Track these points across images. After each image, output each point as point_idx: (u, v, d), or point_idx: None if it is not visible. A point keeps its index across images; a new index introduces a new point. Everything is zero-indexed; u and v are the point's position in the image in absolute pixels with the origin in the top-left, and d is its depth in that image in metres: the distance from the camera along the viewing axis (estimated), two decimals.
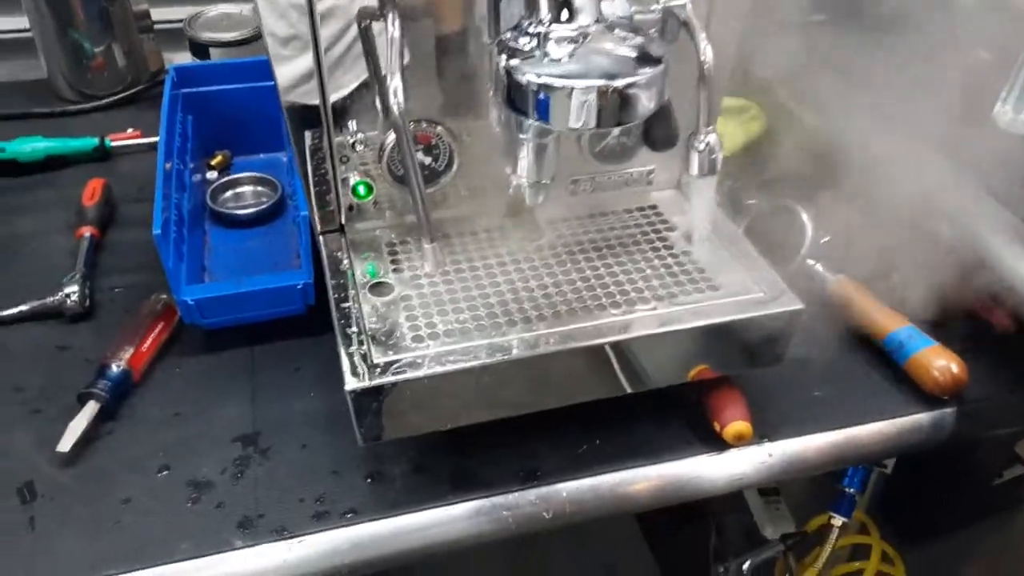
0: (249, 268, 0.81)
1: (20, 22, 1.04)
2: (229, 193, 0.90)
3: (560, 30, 0.51)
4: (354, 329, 0.59)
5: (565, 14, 0.51)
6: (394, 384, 0.55)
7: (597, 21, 0.51)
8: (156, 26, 1.08)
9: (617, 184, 0.73)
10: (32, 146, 0.93)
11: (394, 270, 0.65)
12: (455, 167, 0.68)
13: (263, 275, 0.73)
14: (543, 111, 0.51)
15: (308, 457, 0.63)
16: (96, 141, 0.95)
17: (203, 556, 0.56)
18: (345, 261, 0.66)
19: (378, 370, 0.55)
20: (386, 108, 0.64)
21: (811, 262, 0.78)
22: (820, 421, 0.68)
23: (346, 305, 0.61)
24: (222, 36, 0.97)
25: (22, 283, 0.77)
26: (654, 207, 0.72)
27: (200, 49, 0.98)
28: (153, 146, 0.98)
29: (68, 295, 0.74)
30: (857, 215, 0.79)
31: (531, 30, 0.51)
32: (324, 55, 0.60)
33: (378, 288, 0.63)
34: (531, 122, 0.58)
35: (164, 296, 0.74)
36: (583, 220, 0.71)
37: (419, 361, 0.56)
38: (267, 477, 0.61)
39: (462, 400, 0.58)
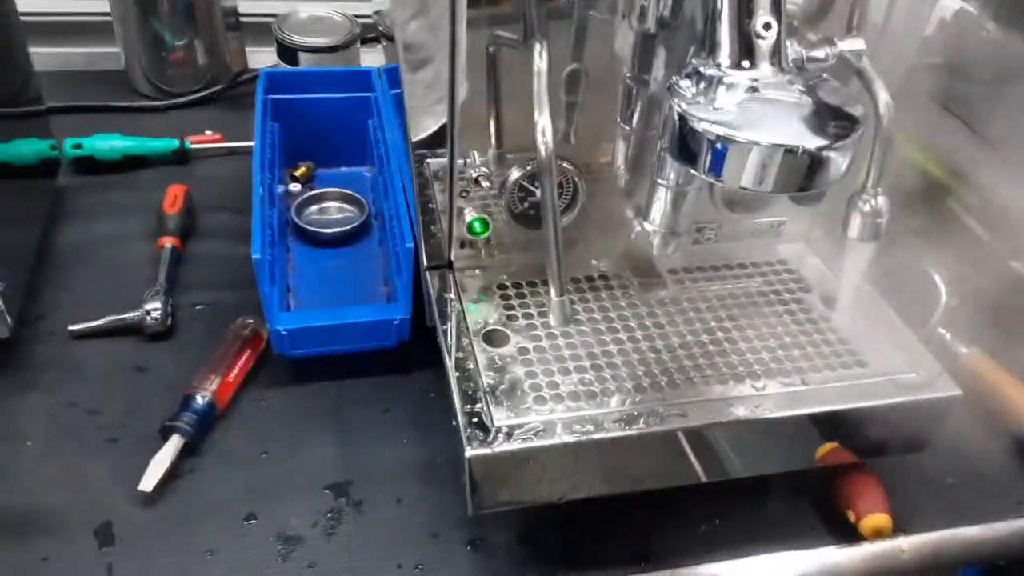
0: (334, 292, 0.77)
1: (101, 5, 1.00)
2: (314, 208, 0.86)
3: (737, 76, 0.46)
4: (470, 384, 0.54)
5: (747, 61, 0.46)
6: (518, 452, 0.50)
7: (781, 69, 0.46)
8: (241, 19, 1.04)
9: (743, 234, 0.67)
10: (111, 144, 0.89)
11: (508, 317, 0.60)
12: (578, 208, 0.63)
13: (357, 306, 0.69)
14: (716, 164, 0.45)
15: (404, 514, 0.58)
16: (176, 143, 0.91)
17: None
18: (455, 302, 0.61)
19: (500, 435, 0.50)
20: (500, 141, 0.60)
21: (941, 331, 0.72)
22: (956, 514, 0.62)
23: (461, 355, 0.56)
24: (313, 41, 0.93)
25: (100, 294, 0.73)
26: (784, 263, 0.67)
27: (288, 52, 0.94)
28: (234, 150, 0.94)
29: (149, 312, 0.70)
30: (988, 276, 0.73)
31: (705, 72, 0.46)
32: (457, 80, 0.54)
33: (492, 337, 0.58)
34: (675, 169, 0.54)
35: (251, 321, 0.70)
36: (707, 272, 0.66)
37: (545, 427, 0.51)
38: (362, 535, 0.57)
39: (580, 470, 0.53)
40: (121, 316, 0.70)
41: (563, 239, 0.63)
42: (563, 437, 0.51)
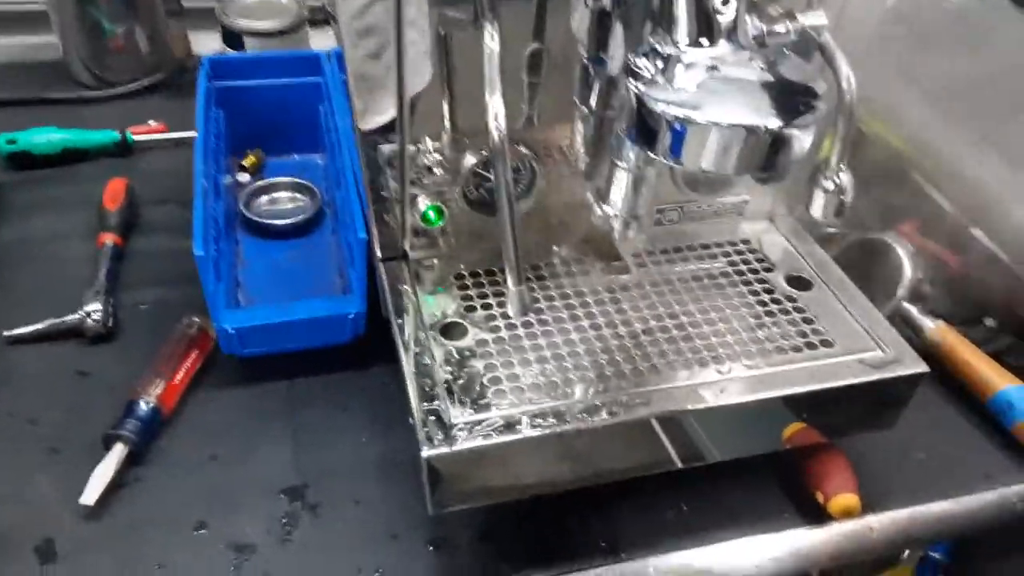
0: (287, 286, 0.74)
1: None
2: (264, 199, 0.82)
3: (695, 54, 0.44)
4: (427, 380, 0.52)
5: (705, 39, 0.44)
6: (479, 449, 0.48)
7: (740, 46, 0.44)
8: (185, 3, 0.99)
9: (706, 214, 0.66)
10: (48, 138, 0.85)
11: (466, 309, 0.58)
12: (534, 192, 0.61)
13: (309, 300, 0.66)
14: (675, 146, 0.43)
15: (363, 516, 0.56)
16: (117, 135, 0.88)
17: None
18: (410, 295, 0.58)
19: (459, 431, 0.48)
20: (454, 125, 0.57)
21: (907, 305, 0.72)
22: (925, 489, 0.61)
23: (417, 350, 0.54)
24: (259, 25, 0.89)
25: (37, 295, 0.70)
26: (747, 242, 0.65)
27: (233, 37, 0.90)
28: (177, 141, 0.91)
29: (89, 313, 0.67)
30: (955, 249, 0.72)
31: (662, 51, 0.44)
32: (404, 62, 0.52)
33: (450, 330, 0.56)
34: (634, 151, 0.52)
35: (197, 320, 0.66)
36: (670, 255, 0.64)
37: (505, 422, 0.49)
38: (319, 540, 0.54)
39: (544, 464, 0.51)
40: (60, 319, 0.67)
41: (521, 225, 0.61)
42: (525, 432, 0.49)
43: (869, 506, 0.59)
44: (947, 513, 0.61)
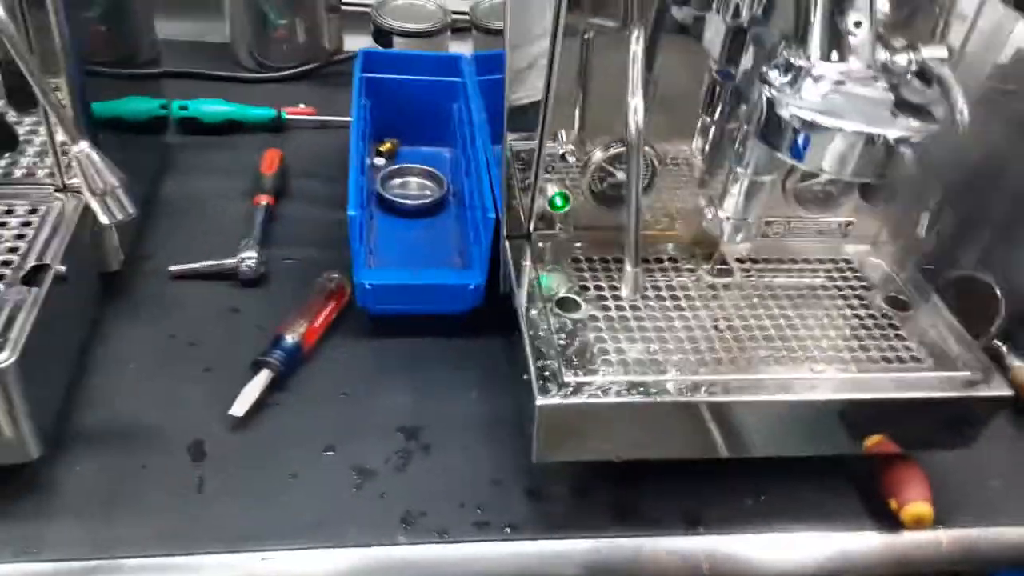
0: (411, 258, 0.81)
1: None
2: (397, 181, 0.91)
3: (825, 68, 0.49)
4: (543, 344, 0.58)
5: (835, 54, 0.49)
6: (585, 406, 0.54)
7: (867, 66, 0.49)
8: (343, 6, 1.10)
9: (811, 232, 0.70)
10: (214, 108, 0.96)
11: (581, 287, 0.64)
12: (653, 190, 0.66)
13: (436, 268, 0.73)
14: (799, 148, 0.48)
15: (469, 461, 0.62)
16: (273, 112, 0.98)
17: (369, 546, 0.55)
18: (531, 271, 0.65)
19: (569, 389, 0.54)
20: (583, 122, 0.63)
21: (998, 343, 0.74)
22: (999, 514, 0.63)
23: (535, 316, 0.60)
24: (408, 26, 0.98)
25: (200, 242, 0.79)
26: (849, 262, 0.69)
27: (384, 36, 0.99)
28: (325, 124, 1.00)
29: (244, 259, 0.76)
30: None
31: (795, 63, 0.49)
32: (555, 62, 0.59)
33: (565, 304, 0.62)
34: (754, 159, 0.57)
35: (336, 275, 0.75)
36: (773, 264, 0.68)
37: (610, 387, 0.55)
38: (429, 474, 0.61)
39: (639, 432, 0.56)
40: (219, 262, 0.76)
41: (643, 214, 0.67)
42: (627, 397, 0.54)
43: (940, 521, 0.62)
44: (1018, 540, 0.63)
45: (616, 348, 0.58)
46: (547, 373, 0.55)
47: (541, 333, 0.59)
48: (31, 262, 0.58)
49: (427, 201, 0.87)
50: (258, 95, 1.03)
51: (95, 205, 0.51)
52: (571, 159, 0.63)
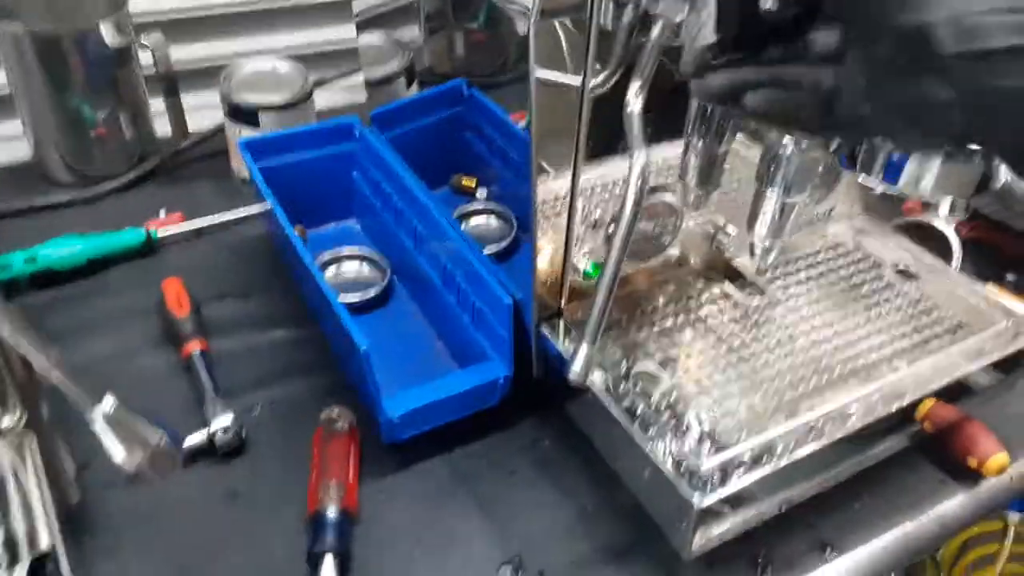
0: (395, 364, 0.71)
1: None
2: (330, 272, 0.80)
3: None
4: (646, 429, 0.53)
5: None
6: (744, 489, 0.50)
7: None
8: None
9: (800, 224, 0.71)
10: (69, 249, 0.78)
11: (643, 354, 0.59)
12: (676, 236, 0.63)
13: (456, 373, 0.65)
14: (892, 173, 0.47)
15: (592, 574, 0.57)
16: (143, 234, 0.81)
17: None
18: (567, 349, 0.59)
19: (716, 477, 0.50)
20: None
21: None
22: None
23: (627, 403, 0.55)
24: (270, 99, 0.86)
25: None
26: (843, 244, 0.71)
27: (245, 114, 0.86)
28: (200, 231, 0.85)
29: (221, 429, 0.62)
30: None
31: None
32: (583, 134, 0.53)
33: (643, 377, 0.57)
34: (784, 180, 0.56)
35: (337, 411, 0.64)
36: (783, 268, 0.68)
37: (751, 457, 0.52)
38: None
39: (780, 484, 0.54)
40: (185, 444, 0.62)
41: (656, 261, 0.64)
42: (774, 462, 0.51)
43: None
44: None
45: (724, 411, 0.55)
46: (674, 464, 0.51)
47: (640, 417, 0.54)
48: (24, 555, 0.43)
49: (376, 291, 0.77)
50: (92, 217, 0.86)
51: (136, 474, 0.38)
52: (600, 229, 0.58)
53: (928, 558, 0.99)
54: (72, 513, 0.56)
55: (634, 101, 0.51)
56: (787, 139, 0.53)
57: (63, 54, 0.81)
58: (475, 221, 0.87)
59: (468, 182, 0.90)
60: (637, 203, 0.46)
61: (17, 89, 0.85)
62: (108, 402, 0.37)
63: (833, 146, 0.53)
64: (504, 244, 0.82)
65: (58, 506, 0.49)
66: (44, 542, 0.43)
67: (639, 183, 0.45)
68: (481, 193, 0.90)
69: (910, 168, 0.47)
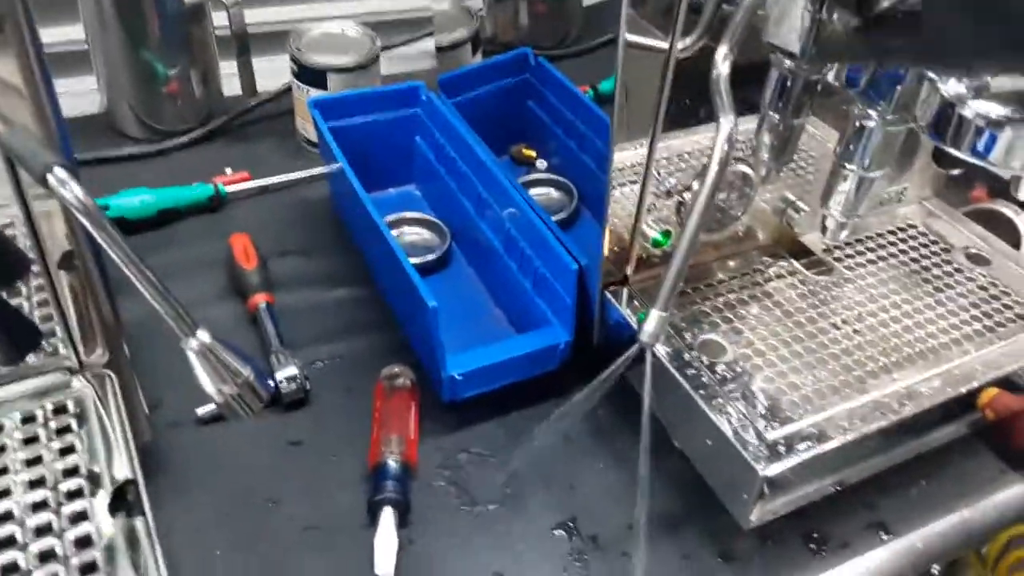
0: (456, 325, 0.72)
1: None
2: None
3: None
4: (715, 401, 0.53)
5: None
6: (806, 461, 0.50)
7: None
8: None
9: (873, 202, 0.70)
10: (141, 199, 0.80)
11: (708, 325, 0.59)
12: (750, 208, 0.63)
13: (518, 336, 0.66)
14: (987, 147, 0.46)
15: (644, 539, 0.57)
16: (211, 188, 0.83)
17: None
18: (631, 318, 0.59)
19: (780, 447, 0.50)
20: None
21: None
22: None
23: (692, 372, 0.55)
24: (338, 61, 0.86)
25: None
26: (914, 226, 0.70)
27: (313, 75, 0.86)
28: (265, 188, 0.86)
29: (286, 379, 0.64)
30: None
31: None
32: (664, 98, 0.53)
33: (708, 348, 0.57)
34: (862, 156, 0.55)
35: (398, 369, 0.65)
36: (853, 246, 0.67)
37: (817, 432, 0.51)
38: (612, 569, 0.55)
39: (842, 461, 0.54)
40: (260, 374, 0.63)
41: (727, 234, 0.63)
42: (840, 438, 0.51)
43: None
44: None
45: (788, 384, 0.55)
46: (746, 436, 0.51)
47: (708, 389, 0.54)
48: (106, 484, 0.44)
49: (435, 255, 0.78)
50: (160, 170, 0.87)
51: (224, 405, 0.39)
52: (678, 196, 0.57)
53: (973, 552, 0.98)
54: (145, 450, 0.57)
55: (721, 64, 0.50)
56: (871, 112, 0.52)
57: (140, 9, 0.83)
58: (535, 191, 0.87)
59: (529, 152, 0.90)
60: (722, 167, 0.46)
61: (94, 43, 0.87)
62: (204, 334, 0.38)
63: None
64: (564, 215, 0.82)
65: (136, 441, 0.50)
66: (125, 472, 0.44)
67: (725, 147, 0.45)
68: (541, 164, 0.90)
69: (1002, 141, 0.46)
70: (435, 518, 0.58)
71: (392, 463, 0.58)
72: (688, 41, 0.51)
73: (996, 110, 0.45)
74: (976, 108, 0.45)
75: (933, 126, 0.48)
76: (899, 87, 0.51)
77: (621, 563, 0.56)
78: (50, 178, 0.32)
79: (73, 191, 0.33)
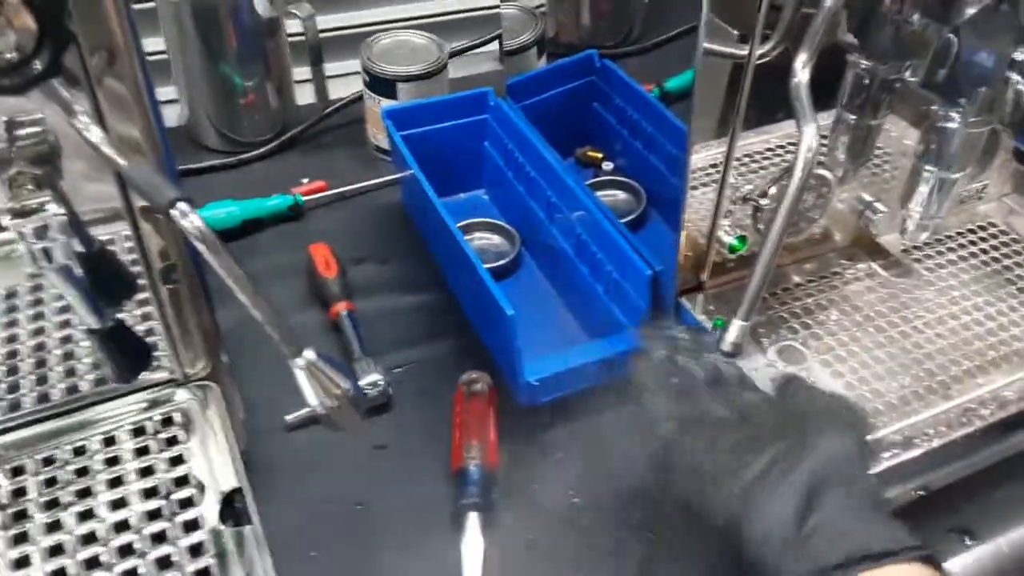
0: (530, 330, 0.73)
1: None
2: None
3: None
4: None
5: None
6: (895, 467, 0.50)
7: None
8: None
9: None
10: (227, 211, 0.83)
11: (787, 330, 0.59)
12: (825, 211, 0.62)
13: (592, 342, 0.67)
14: None
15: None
16: (290, 199, 0.86)
17: None
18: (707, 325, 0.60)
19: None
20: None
21: None
22: None
23: (773, 379, 0.55)
24: (408, 70, 0.88)
25: (289, 376, 0.68)
26: (994, 224, 0.69)
27: (385, 85, 0.88)
28: (340, 196, 0.89)
29: (371, 384, 0.66)
30: None
31: None
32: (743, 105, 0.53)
33: (787, 354, 0.58)
34: (945, 157, 0.54)
35: (476, 375, 0.67)
36: (932, 245, 0.66)
37: (903, 438, 0.51)
38: None
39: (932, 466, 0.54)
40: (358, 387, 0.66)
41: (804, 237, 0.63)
42: (930, 443, 0.51)
43: None
44: None
45: (871, 390, 0.55)
46: None
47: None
48: (214, 494, 0.47)
49: (506, 260, 0.79)
50: (238, 181, 0.91)
51: (326, 418, 0.41)
52: (760, 201, 0.58)
53: None
54: (244, 457, 0.60)
55: (801, 72, 0.51)
56: (954, 112, 0.51)
57: (219, 23, 0.86)
58: (602, 193, 0.87)
59: (594, 154, 0.91)
60: (805, 179, 0.46)
61: (174, 57, 0.90)
62: (309, 352, 0.41)
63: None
64: (632, 217, 0.83)
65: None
66: (232, 480, 0.47)
67: (808, 156, 0.45)
68: (607, 166, 0.90)
69: None
70: (515, 518, 0.59)
71: (474, 468, 0.60)
72: (767, 47, 0.51)
73: None
74: None
75: (1019, 127, 0.47)
76: (982, 88, 0.50)
77: None
78: (174, 212, 0.34)
79: (194, 223, 0.35)
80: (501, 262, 0.79)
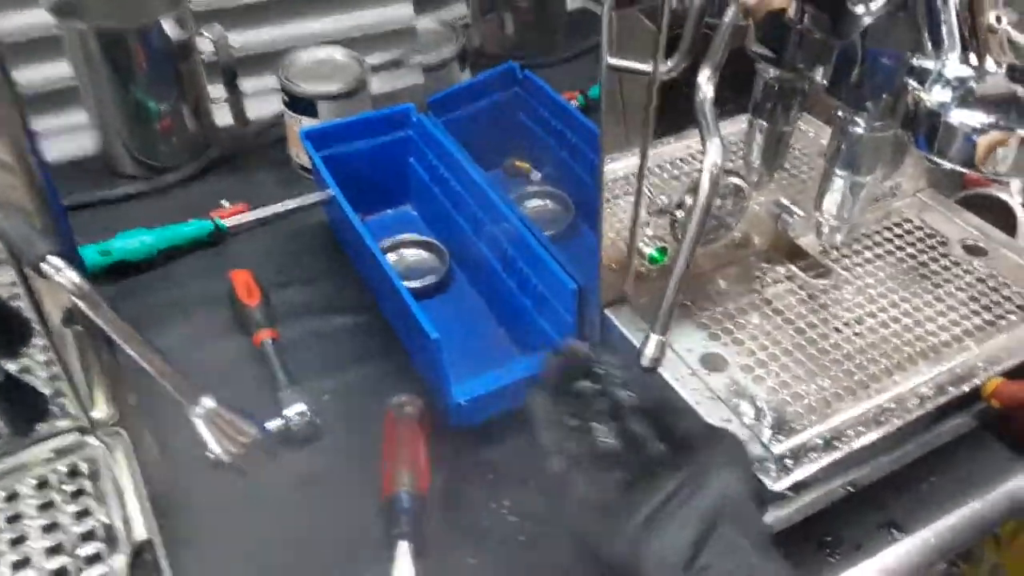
0: (457, 345, 0.73)
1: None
2: (392, 258, 0.81)
3: (961, 70, 0.47)
4: (724, 415, 0.53)
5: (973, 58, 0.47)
6: (816, 473, 0.50)
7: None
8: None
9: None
10: (140, 240, 0.80)
11: (709, 336, 0.60)
12: (745, 215, 0.63)
13: (521, 359, 0.66)
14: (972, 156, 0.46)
15: None
16: (210, 224, 0.83)
17: None
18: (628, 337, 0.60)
19: (787, 460, 0.51)
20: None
21: None
22: None
23: (694, 387, 0.55)
24: (328, 88, 0.86)
25: None
26: (910, 221, 0.70)
27: (304, 103, 0.87)
28: (262, 221, 0.87)
29: (296, 415, 0.64)
30: None
31: (947, 73, 0.47)
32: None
33: (710, 361, 0.58)
34: (854, 160, 0.55)
35: (405, 398, 0.65)
36: (850, 247, 0.67)
37: (823, 441, 0.52)
38: None
39: (852, 467, 0.54)
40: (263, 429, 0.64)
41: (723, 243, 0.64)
42: (846, 447, 0.51)
43: None
44: None
45: (792, 394, 0.55)
46: (751, 448, 0.51)
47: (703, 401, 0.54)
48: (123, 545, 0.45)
49: (435, 278, 0.78)
50: (157, 207, 0.88)
51: (232, 466, 0.40)
52: (679, 213, 0.58)
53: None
54: (160, 498, 0.58)
55: (705, 86, 0.51)
56: (859, 117, 0.52)
57: (127, 50, 0.83)
58: (531, 203, 0.87)
59: (522, 164, 0.90)
60: (711, 195, 0.46)
61: (83, 84, 0.87)
62: (207, 400, 0.39)
63: None
64: (561, 228, 0.82)
65: (149, 491, 0.51)
66: (142, 532, 0.45)
67: (713, 173, 0.45)
68: (535, 176, 0.90)
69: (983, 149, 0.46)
70: (450, 544, 0.58)
71: (404, 495, 0.58)
72: (671, 63, 0.51)
73: (980, 118, 0.45)
74: (960, 116, 0.45)
75: (917, 133, 0.48)
76: (884, 95, 0.51)
77: None
78: (44, 267, 0.33)
79: (70, 278, 0.33)
80: (430, 279, 0.78)
